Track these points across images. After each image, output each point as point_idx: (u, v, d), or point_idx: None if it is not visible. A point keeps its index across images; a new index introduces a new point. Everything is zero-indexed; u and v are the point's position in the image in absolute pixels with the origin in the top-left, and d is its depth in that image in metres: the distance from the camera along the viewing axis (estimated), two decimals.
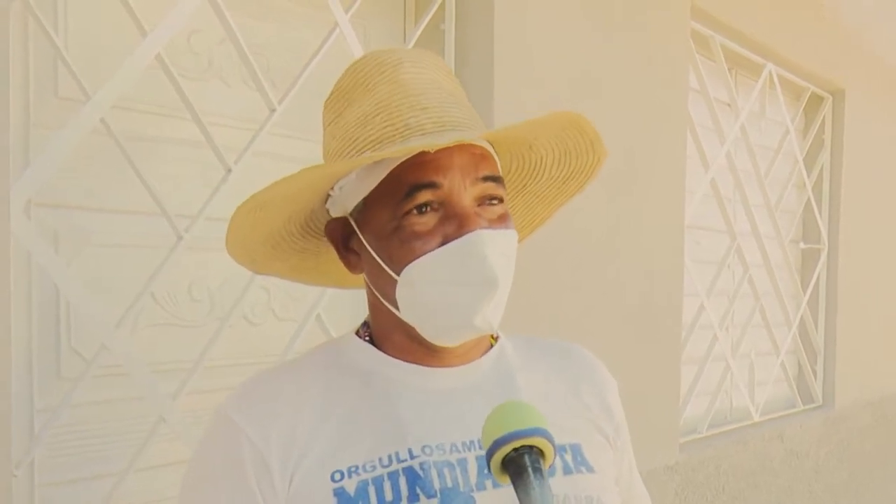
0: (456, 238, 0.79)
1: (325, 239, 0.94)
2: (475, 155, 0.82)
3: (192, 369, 1.51)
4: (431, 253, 0.79)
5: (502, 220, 0.83)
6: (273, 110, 1.62)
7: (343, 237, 0.88)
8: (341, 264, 0.96)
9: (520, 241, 1.03)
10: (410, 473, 0.79)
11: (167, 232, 1.48)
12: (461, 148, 0.81)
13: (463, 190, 0.80)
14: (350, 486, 0.78)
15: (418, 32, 1.85)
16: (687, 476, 2.70)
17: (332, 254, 0.97)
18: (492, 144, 0.86)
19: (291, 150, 1.68)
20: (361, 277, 1.03)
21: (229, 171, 1.55)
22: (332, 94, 0.90)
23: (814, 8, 3.37)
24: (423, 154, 0.79)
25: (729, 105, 3.14)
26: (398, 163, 0.80)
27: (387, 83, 0.84)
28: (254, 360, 1.65)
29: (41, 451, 1.36)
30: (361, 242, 0.85)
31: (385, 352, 0.88)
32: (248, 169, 1.56)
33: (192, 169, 1.56)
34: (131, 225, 1.48)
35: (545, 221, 1.03)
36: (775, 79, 3.38)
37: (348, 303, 1.82)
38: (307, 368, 0.89)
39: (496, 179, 0.83)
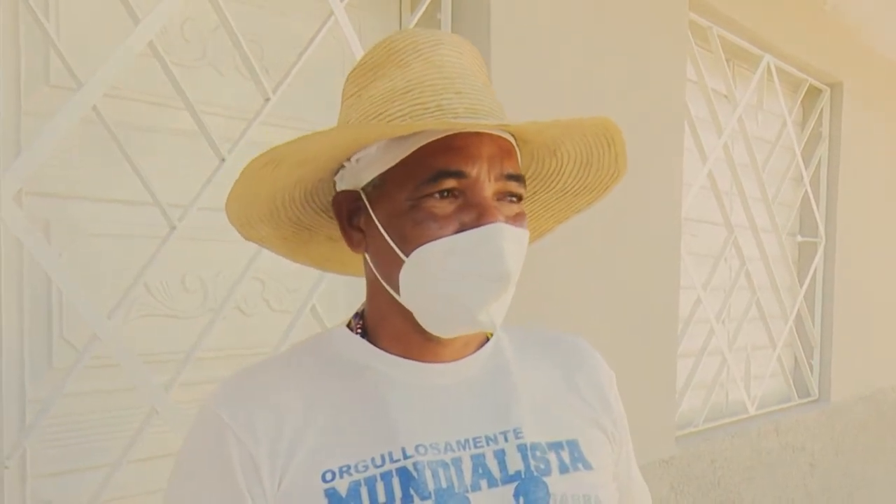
0: (474, 227, 0.76)
1: (323, 214, 0.92)
2: (503, 149, 0.80)
3: (185, 360, 1.50)
4: (447, 238, 0.76)
5: (518, 218, 0.81)
6: (267, 100, 1.60)
7: (349, 212, 0.85)
8: (329, 245, 0.94)
9: None
10: (404, 474, 0.77)
11: (160, 222, 1.46)
12: (491, 139, 0.78)
13: (487, 182, 0.78)
14: (342, 486, 0.76)
15: (414, 21, 1.83)
16: (682, 469, 2.70)
17: (326, 231, 0.94)
18: (517, 143, 0.84)
19: (286, 140, 1.67)
20: (343, 263, 1.01)
21: (223, 160, 1.53)
22: (358, 66, 0.86)
23: (812, 0, 3.35)
24: (453, 138, 0.77)
25: (726, 97, 3.13)
26: (425, 142, 0.77)
27: (422, 62, 0.81)
28: (247, 352, 1.64)
29: (33, 442, 1.35)
30: (370, 219, 0.82)
31: (378, 344, 0.85)
32: (242, 159, 1.53)
33: (186, 158, 1.54)
34: (124, 214, 1.47)
35: (544, 235, 1.01)
36: (773, 70, 3.37)
37: (343, 295, 1.81)
38: (296, 363, 0.86)
39: (519, 178, 0.81)
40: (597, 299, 2.25)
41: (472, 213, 0.77)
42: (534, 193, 0.96)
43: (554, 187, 0.95)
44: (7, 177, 1.25)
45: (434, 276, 0.77)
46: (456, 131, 0.77)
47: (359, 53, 1.72)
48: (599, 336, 2.22)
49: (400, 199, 0.78)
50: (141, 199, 1.46)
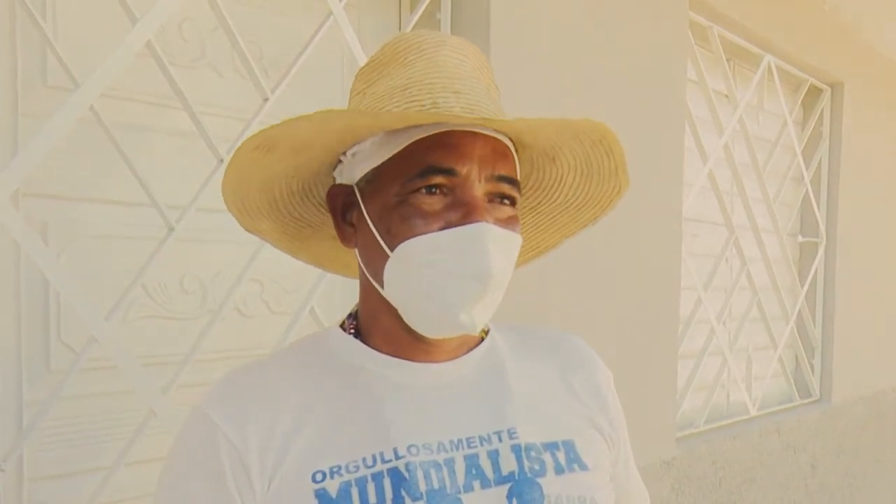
0: (460, 225, 0.75)
1: (325, 211, 0.91)
2: (496, 150, 0.79)
3: (184, 362, 1.49)
4: (431, 234, 0.76)
5: (510, 221, 0.80)
6: (266, 100, 1.60)
7: (343, 206, 0.85)
8: (332, 244, 0.94)
9: (522, 264, 0.98)
10: (395, 475, 0.76)
11: (158, 223, 1.45)
12: (485, 140, 0.78)
13: (477, 182, 0.77)
14: (332, 487, 0.75)
15: (414, 21, 1.83)
16: (683, 471, 2.69)
17: (329, 230, 0.94)
18: (515, 149, 0.83)
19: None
20: (346, 265, 1.01)
21: (221, 161, 1.53)
22: (366, 65, 0.87)
23: (812, 0, 3.35)
24: (446, 136, 0.77)
25: (727, 97, 3.12)
26: (418, 138, 0.77)
27: (423, 61, 0.82)
28: (246, 354, 1.63)
29: (30, 444, 1.34)
30: (361, 214, 0.82)
31: (370, 344, 0.85)
32: None
33: (184, 159, 1.54)
34: (122, 216, 1.46)
35: (550, 250, 1.00)
36: (774, 70, 3.36)
37: (342, 296, 1.80)
38: (288, 364, 0.86)
39: (512, 182, 0.80)
40: (597, 300, 2.24)
41: (459, 212, 0.76)
42: (538, 204, 0.95)
43: (556, 199, 0.94)
44: (4, 178, 1.24)
45: (418, 272, 0.77)
46: (447, 128, 0.77)
47: (358, 53, 1.72)
48: (600, 336, 2.22)
49: (389, 194, 0.78)
50: (139, 201, 1.45)
